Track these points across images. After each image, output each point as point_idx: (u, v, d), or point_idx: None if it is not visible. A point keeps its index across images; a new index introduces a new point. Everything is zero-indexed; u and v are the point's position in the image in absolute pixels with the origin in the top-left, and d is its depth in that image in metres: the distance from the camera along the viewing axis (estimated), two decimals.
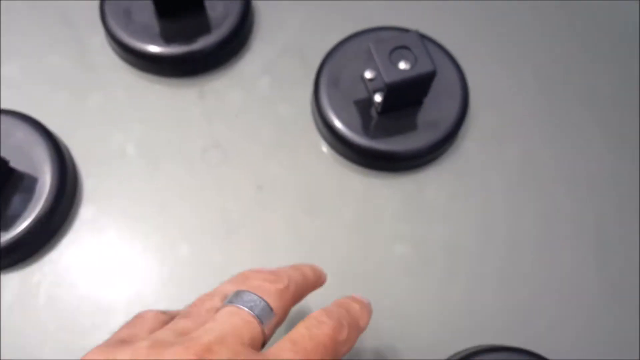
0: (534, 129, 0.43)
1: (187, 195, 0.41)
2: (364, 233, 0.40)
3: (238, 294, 0.26)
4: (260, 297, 0.26)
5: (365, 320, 0.28)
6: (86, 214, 0.40)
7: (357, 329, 0.27)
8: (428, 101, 0.41)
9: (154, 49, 0.43)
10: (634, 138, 0.43)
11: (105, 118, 0.43)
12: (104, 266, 0.39)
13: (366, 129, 0.41)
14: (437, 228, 0.40)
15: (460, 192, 0.41)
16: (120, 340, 0.25)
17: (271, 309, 0.26)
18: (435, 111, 0.41)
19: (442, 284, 0.39)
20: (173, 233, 0.40)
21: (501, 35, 0.46)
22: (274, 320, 0.26)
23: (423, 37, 0.38)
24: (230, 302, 0.26)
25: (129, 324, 0.27)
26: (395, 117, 0.41)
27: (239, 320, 0.25)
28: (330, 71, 0.42)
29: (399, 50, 0.38)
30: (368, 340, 0.36)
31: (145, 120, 0.43)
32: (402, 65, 0.37)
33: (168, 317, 0.27)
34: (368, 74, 0.40)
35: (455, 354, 0.37)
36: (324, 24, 0.46)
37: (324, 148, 0.43)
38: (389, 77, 0.37)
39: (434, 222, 0.41)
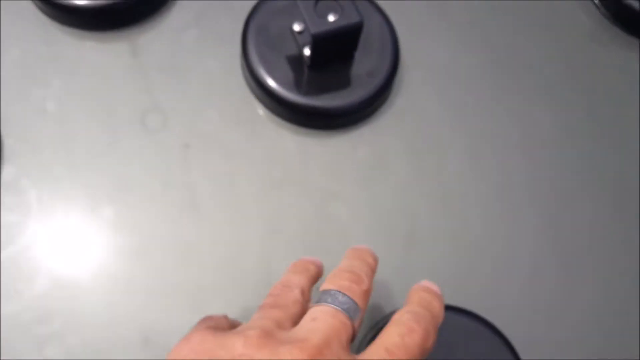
0: (466, 83, 0.43)
1: (111, 154, 0.39)
2: (294, 192, 0.39)
3: (332, 294, 0.27)
4: (352, 299, 0.27)
5: (443, 317, 0.29)
6: (6, 176, 0.39)
7: (437, 330, 0.28)
8: (359, 56, 0.41)
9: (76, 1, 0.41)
10: (567, 95, 0.43)
11: (24, 73, 0.41)
12: (25, 229, 0.38)
13: (297, 85, 0.40)
14: (370, 186, 0.40)
15: (393, 150, 0.41)
16: (214, 327, 0.26)
17: (360, 310, 0.27)
18: (367, 66, 0.41)
19: (375, 244, 0.39)
20: (98, 195, 0.39)
21: None
22: (360, 320, 0.27)
23: None
24: (326, 302, 0.27)
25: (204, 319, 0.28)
26: (326, 72, 0.40)
27: (338, 322, 0.26)
28: (258, 24, 0.41)
29: (325, 1, 0.37)
30: None
31: (67, 74, 0.41)
32: (329, 16, 0.36)
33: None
34: (296, 27, 0.39)
35: (391, 314, 0.37)
36: None
37: (255, 106, 0.42)
38: (314, 29, 0.36)
39: (368, 180, 0.40)
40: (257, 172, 0.40)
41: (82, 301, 0.36)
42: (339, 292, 0.27)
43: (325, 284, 0.28)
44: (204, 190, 0.39)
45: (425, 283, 0.30)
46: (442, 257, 0.39)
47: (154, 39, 0.43)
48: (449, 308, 0.35)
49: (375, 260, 0.31)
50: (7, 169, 0.39)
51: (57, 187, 0.39)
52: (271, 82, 0.40)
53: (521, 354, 0.35)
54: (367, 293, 0.28)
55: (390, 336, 0.26)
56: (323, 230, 0.39)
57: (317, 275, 0.31)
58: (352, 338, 0.27)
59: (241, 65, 0.42)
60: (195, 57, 0.42)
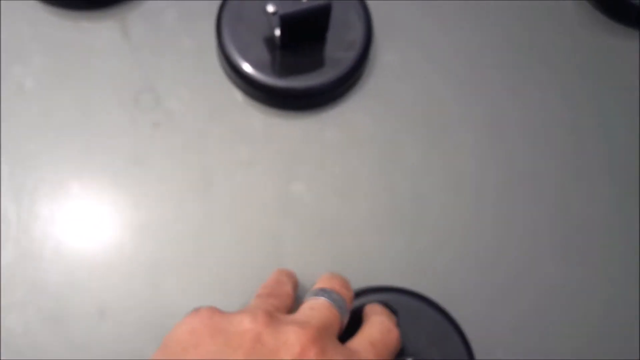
0: (439, 68, 0.43)
1: (81, 132, 0.40)
2: (260, 171, 0.40)
3: (328, 292, 0.31)
4: (343, 299, 0.31)
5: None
6: None
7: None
8: (331, 37, 0.41)
9: None
10: (537, 74, 0.43)
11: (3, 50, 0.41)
12: None
13: (268, 65, 0.40)
14: (334, 169, 0.40)
15: (361, 132, 0.41)
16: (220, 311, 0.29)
17: (347, 310, 0.31)
18: (338, 47, 0.41)
19: (334, 225, 0.39)
20: (65, 169, 0.39)
21: None
22: (346, 319, 0.31)
23: None
24: (323, 296, 0.30)
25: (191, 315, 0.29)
26: (298, 53, 0.40)
27: (332, 314, 0.29)
28: (233, 5, 0.41)
29: None
30: (256, 282, 0.36)
31: (46, 50, 0.42)
32: None
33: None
34: (269, 8, 0.39)
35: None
36: None
37: (227, 85, 0.42)
38: (283, 9, 0.36)
39: (332, 162, 0.40)
40: (223, 151, 0.40)
41: (43, 273, 0.37)
42: (333, 291, 0.31)
43: (320, 284, 0.32)
44: (168, 169, 0.39)
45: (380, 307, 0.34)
46: (403, 239, 0.39)
47: (138, 18, 0.43)
48: (398, 290, 0.36)
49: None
50: None
51: (25, 164, 0.39)
52: (242, 63, 0.40)
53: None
54: (351, 300, 0.32)
55: (372, 332, 0.30)
56: (287, 210, 0.39)
57: (296, 285, 0.35)
58: (340, 332, 0.30)
59: (215, 45, 0.42)
60: (174, 36, 0.43)
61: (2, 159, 0.39)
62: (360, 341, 0.30)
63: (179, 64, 0.42)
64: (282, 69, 0.40)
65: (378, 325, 0.31)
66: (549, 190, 0.41)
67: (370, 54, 0.42)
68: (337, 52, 0.41)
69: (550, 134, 0.42)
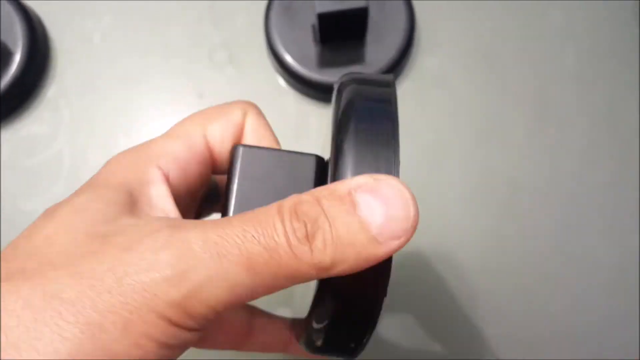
0: (474, 83, 0.43)
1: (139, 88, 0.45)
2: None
3: None
4: None
5: None
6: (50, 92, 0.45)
7: None
8: (371, 37, 0.42)
9: None
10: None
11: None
12: (56, 146, 0.44)
13: (307, 58, 0.43)
14: None
15: None
16: None
17: None
18: (377, 48, 0.42)
19: None
20: (117, 124, 0.44)
21: None
22: None
23: None
24: None
25: None
26: (337, 49, 0.42)
27: None
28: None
29: None
30: None
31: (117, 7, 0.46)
32: None
33: None
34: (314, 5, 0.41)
35: None
36: None
37: (270, 70, 0.45)
38: (320, 8, 0.38)
39: None
40: None
41: None
42: None
43: None
44: None
45: None
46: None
47: None
48: None
49: None
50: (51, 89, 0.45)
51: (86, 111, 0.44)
52: (285, 54, 0.43)
53: None
54: None
55: None
56: None
57: None
58: None
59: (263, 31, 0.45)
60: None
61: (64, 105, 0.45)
62: None
63: (226, 42, 0.45)
64: (319, 62, 0.42)
65: None
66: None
67: (409, 58, 0.43)
68: (376, 52, 0.42)
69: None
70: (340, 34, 0.41)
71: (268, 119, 0.27)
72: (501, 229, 0.41)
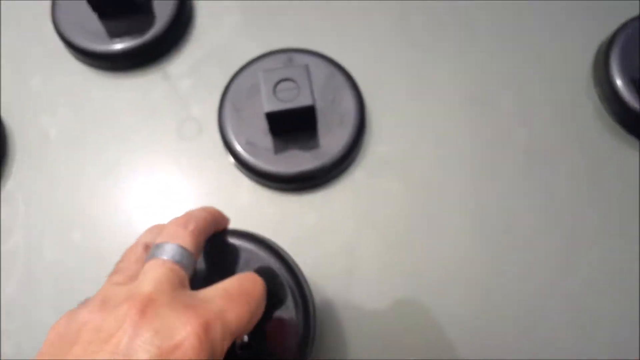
0: (431, 169, 0.44)
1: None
2: None
3: (158, 246, 0.29)
4: (178, 245, 0.29)
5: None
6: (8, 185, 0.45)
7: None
8: (323, 128, 0.43)
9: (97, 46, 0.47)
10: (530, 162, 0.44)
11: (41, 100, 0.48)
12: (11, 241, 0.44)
13: (259, 148, 0.43)
14: (312, 249, 0.43)
15: (337, 218, 0.43)
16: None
17: (189, 253, 0.29)
18: (329, 138, 0.43)
19: None
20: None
21: (412, 67, 0.47)
22: (192, 259, 0.30)
23: (309, 72, 0.40)
24: (153, 255, 0.29)
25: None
26: (289, 140, 0.43)
27: (166, 269, 0.28)
28: (235, 90, 0.45)
29: (285, 82, 0.40)
30: None
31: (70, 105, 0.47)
32: (284, 96, 0.39)
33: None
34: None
35: None
36: (250, 34, 0.48)
37: (222, 156, 0.45)
38: (267, 107, 0.39)
39: (307, 243, 0.43)
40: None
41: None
42: (165, 243, 0.29)
43: (157, 238, 0.30)
44: None
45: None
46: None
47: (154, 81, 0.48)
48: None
49: (222, 214, 0.34)
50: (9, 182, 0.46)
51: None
52: (235, 143, 0.43)
53: None
54: (193, 233, 0.30)
55: (231, 280, 0.29)
56: None
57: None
58: (189, 277, 0.29)
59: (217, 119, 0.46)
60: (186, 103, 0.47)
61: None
62: (214, 288, 0.29)
63: (179, 134, 0.46)
64: (271, 152, 0.43)
65: (240, 276, 0.30)
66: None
67: (361, 147, 0.44)
68: (329, 141, 0.43)
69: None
70: (291, 127, 0.42)
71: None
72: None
